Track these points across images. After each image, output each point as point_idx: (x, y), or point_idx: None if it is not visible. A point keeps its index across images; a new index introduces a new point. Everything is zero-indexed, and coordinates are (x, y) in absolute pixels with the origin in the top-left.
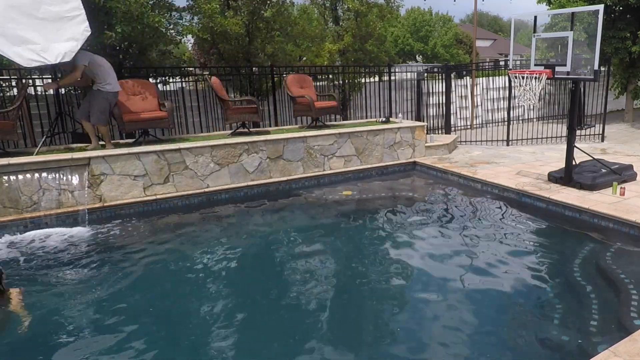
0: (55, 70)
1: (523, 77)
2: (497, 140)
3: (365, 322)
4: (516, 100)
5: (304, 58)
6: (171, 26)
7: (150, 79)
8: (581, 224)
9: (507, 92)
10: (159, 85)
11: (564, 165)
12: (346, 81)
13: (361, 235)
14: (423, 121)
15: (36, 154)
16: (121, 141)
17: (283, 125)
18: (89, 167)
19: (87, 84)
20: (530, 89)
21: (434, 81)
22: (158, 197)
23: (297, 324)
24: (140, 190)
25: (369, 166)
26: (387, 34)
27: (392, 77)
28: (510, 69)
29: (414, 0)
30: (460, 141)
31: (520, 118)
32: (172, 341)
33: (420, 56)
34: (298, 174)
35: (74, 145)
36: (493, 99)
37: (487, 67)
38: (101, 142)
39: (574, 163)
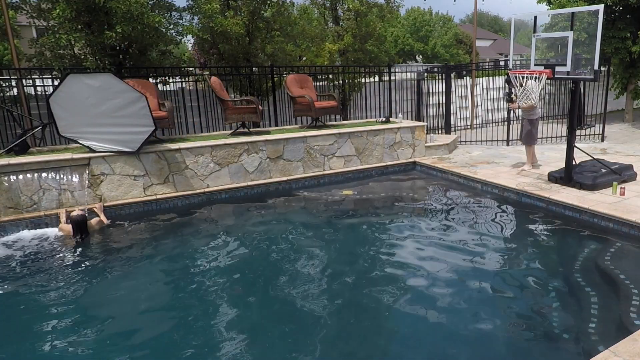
0: (55, 71)
1: (523, 77)
2: (497, 140)
3: (365, 322)
4: (518, 100)
5: (304, 58)
6: (171, 26)
7: (150, 79)
8: (581, 224)
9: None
10: (159, 85)
11: (564, 165)
12: (346, 81)
13: (361, 235)
14: (423, 121)
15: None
16: None
17: (283, 125)
18: (89, 167)
19: None
20: (530, 89)
21: (434, 81)
22: (158, 197)
23: (297, 324)
24: (140, 190)
25: (369, 166)
26: (387, 34)
27: (392, 77)
28: (510, 69)
29: (414, 0)
30: (460, 141)
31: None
32: (168, 340)
33: (420, 56)
34: (298, 174)
35: (72, 145)
36: (493, 99)
37: (487, 67)
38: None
39: (574, 163)
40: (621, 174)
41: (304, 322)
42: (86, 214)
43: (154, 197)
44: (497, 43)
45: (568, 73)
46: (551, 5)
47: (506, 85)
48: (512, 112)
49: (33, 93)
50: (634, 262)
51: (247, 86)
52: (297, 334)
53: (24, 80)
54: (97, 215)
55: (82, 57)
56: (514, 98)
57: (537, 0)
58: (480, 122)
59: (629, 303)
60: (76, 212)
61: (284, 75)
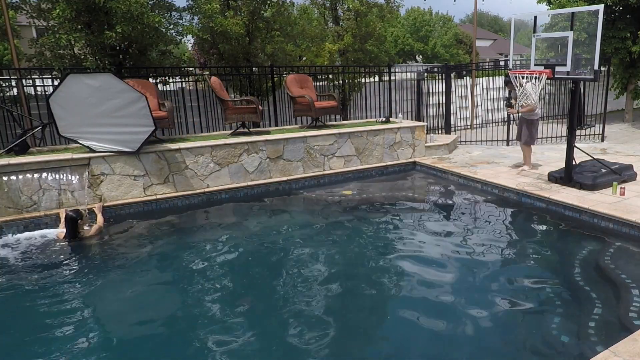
0: (55, 71)
1: (523, 77)
2: (497, 140)
3: (364, 321)
4: (518, 100)
5: (304, 58)
6: (171, 26)
7: (150, 79)
8: (581, 224)
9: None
10: (159, 85)
11: (564, 165)
12: (346, 81)
13: (360, 235)
14: (423, 121)
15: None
16: None
17: (283, 125)
18: (89, 167)
19: None
20: (529, 91)
21: (434, 81)
22: (158, 197)
23: (297, 324)
24: (140, 190)
25: (369, 166)
26: (387, 34)
27: (392, 77)
28: (510, 69)
29: (414, 0)
30: (460, 141)
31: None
32: (169, 341)
33: (420, 56)
34: (298, 174)
35: (72, 145)
36: (493, 99)
37: (487, 67)
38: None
39: (574, 163)
40: (621, 174)
41: (304, 322)
42: (80, 215)
43: (154, 197)
44: (497, 43)
45: (568, 73)
46: (551, 5)
47: (506, 88)
48: (511, 115)
49: (33, 93)
50: (634, 262)
51: (247, 86)
52: (298, 332)
53: (24, 80)
54: (97, 215)
55: (82, 57)
56: (513, 102)
57: (537, 0)
58: (480, 122)
59: (629, 303)
60: (71, 210)
61: (284, 75)
